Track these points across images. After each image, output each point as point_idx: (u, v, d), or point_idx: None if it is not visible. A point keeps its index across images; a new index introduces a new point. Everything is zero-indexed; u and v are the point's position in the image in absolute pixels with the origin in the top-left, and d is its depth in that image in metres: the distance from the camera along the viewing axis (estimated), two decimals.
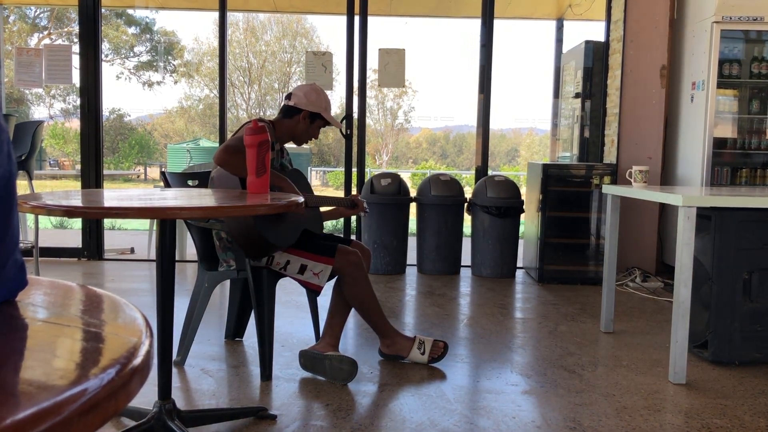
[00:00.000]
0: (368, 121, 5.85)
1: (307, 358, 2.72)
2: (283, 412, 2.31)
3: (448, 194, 5.02)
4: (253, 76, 24.17)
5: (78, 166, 5.42)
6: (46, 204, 1.54)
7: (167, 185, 2.74)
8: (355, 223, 5.33)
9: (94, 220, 5.28)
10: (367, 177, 5.27)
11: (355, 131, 5.34)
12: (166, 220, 1.89)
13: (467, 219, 5.12)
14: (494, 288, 4.65)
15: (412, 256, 5.21)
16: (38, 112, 22.27)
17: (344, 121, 5.23)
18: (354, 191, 5.34)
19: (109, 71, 21.61)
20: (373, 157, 29.08)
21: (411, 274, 5.09)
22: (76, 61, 5.44)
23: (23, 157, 3.99)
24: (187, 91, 26.25)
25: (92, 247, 5.40)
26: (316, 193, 2.96)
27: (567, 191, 4.91)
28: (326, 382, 2.64)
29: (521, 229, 5.17)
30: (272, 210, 1.87)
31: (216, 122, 5.49)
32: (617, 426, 2.27)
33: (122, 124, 23.64)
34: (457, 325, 3.62)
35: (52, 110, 22.73)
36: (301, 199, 1.95)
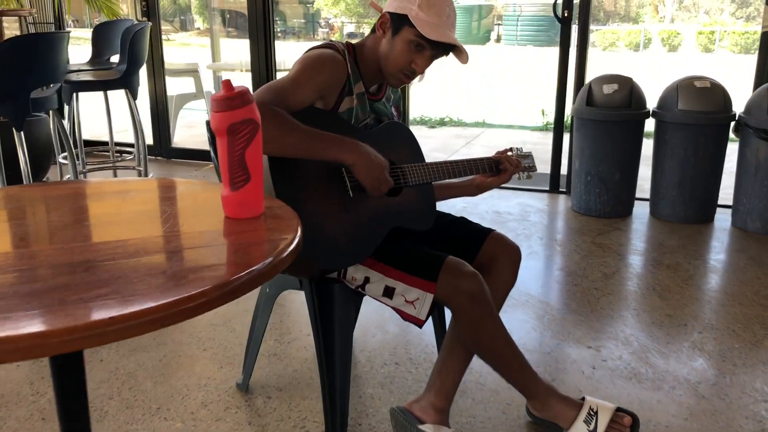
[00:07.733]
0: None
1: (398, 423, 1.76)
2: None
3: (704, 109, 3.44)
4: None
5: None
6: None
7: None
8: (566, 146, 3.98)
9: None
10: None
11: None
12: None
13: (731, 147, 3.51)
14: (763, 256, 3.12)
15: (643, 189, 3.80)
16: None
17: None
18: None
19: None
20: (655, 7, 24.74)
21: (640, 216, 3.71)
22: None
23: (123, 69, 3.14)
24: None
25: None
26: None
27: None
28: None
29: None
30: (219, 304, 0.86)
31: None
32: None
33: None
34: (679, 343, 2.33)
35: None
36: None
